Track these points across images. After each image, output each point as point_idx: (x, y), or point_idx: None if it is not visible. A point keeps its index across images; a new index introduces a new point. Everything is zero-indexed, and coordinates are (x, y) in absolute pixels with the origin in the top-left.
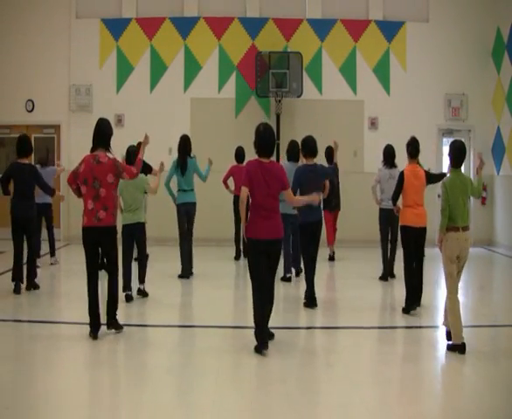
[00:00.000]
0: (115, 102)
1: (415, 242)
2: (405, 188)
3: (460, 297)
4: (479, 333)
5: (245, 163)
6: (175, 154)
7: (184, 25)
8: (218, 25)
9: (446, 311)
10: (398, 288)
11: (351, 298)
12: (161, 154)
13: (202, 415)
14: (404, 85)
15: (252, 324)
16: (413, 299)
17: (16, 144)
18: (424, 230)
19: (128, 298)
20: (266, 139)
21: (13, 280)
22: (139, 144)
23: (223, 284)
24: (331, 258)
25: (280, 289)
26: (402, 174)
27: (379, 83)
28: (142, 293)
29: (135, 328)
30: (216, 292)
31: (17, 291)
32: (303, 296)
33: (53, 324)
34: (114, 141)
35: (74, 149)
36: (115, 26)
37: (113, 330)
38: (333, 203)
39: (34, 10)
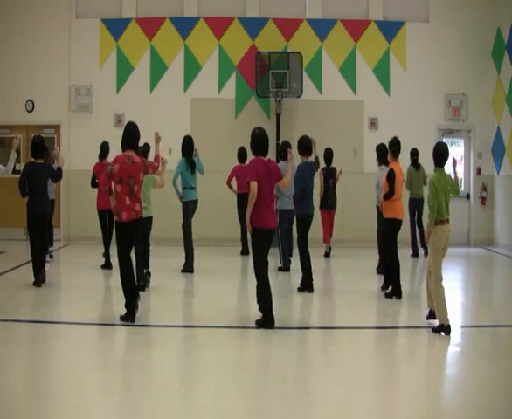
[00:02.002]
0: (115, 102)
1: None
2: (395, 183)
3: (460, 297)
4: (479, 333)
5: (247, 163)
6: (175, 154)
7: (184, 25)
8: (218, 25)
9: (429, 293)
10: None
11: (351, 295)
12: (161, 154)
13: (202, 415)
14: (404, 85)
15: (252, 323)
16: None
17: (30, 146)
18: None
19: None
20: (262, 141)
21: (36, 275)
22: (145, 144)
23: (225, 280)
24: (327, 255)
25: (275, 283)
26: (393, 171)
27: (379, 83)
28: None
29: (135, 328)
30: (217, 290)
31: (38, 283)
32: (299, 283)
33: (54, 324)
34: (114, 142)
35: (74, 149)
36: (115, 26)
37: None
38: (329, 203)
39: (34, 10)
